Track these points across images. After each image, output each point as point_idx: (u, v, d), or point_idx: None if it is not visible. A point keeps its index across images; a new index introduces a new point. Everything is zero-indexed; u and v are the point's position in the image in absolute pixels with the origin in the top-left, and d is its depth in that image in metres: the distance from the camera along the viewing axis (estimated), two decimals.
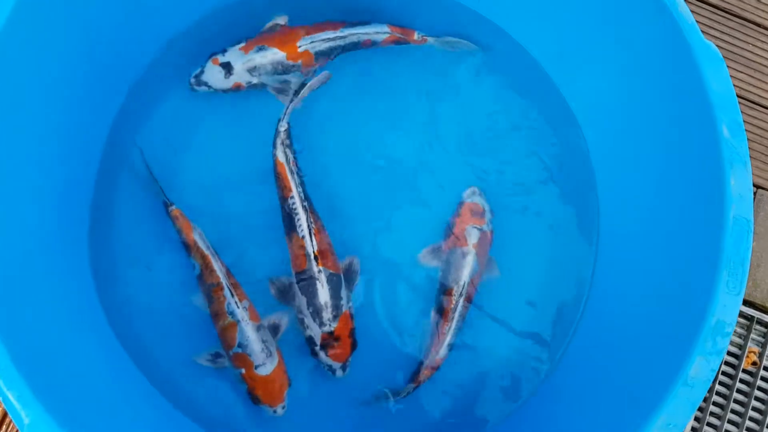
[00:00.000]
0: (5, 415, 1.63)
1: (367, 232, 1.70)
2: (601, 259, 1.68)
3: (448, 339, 1.59)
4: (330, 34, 1.69)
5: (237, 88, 1.67)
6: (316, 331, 1.52)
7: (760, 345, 1.88)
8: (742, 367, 1.85)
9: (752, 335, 1.88)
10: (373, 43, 1.73)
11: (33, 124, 1.40)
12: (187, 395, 1.55)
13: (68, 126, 1.52)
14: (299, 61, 1.68)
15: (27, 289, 1.30)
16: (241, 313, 1.51)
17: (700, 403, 1.22)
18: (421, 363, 1.59)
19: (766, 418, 1.80)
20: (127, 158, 1.65)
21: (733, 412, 1.82)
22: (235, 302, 1.52)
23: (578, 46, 1.67)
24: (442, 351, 1.58)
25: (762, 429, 1.79)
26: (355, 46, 1.72)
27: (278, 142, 1.62)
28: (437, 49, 1.78)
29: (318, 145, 1.72)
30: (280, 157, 1.61)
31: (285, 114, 1.63)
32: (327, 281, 1.53)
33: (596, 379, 1.48)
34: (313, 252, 1.54)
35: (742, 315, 1.89)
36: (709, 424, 1.80)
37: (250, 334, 1.49)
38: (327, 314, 1.52)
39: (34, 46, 1.36)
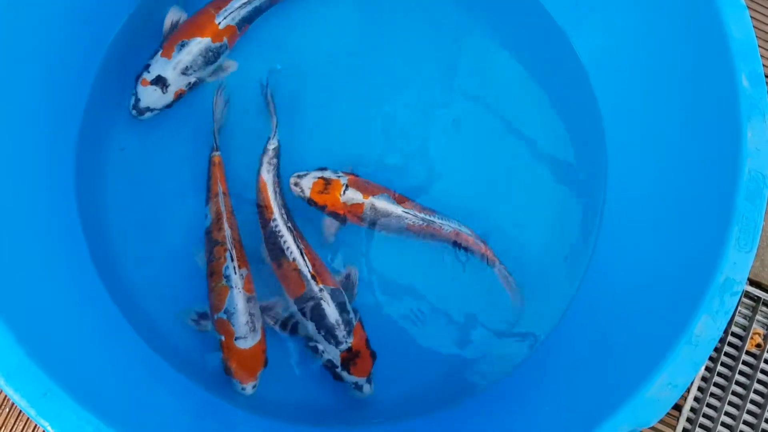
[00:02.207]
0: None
1: None
2: (608, 210, 1.63)
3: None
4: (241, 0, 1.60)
5: (179, 97, 1.57)
6: (333, 353, 1.44)
7: (766, 327, 1.82)
8: (745, 348, 1.80)
9: (758, 317, 1.82)
10: None
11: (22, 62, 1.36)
12: (170, 342, 1.51)
13: (61, 56, 1.48)
14: (224, 39, 1.59)
15: (9, 228, 1.26)
16: (236, 280, 1.45)
17: (703, 364, 1.18)
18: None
19: (767, 401, 1.74)
20: (119, 93, 1.60)
21: (734, 393, 1.76)
22: (234, 267, 1.46)
23: None
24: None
25: (763, 412, 1.73)
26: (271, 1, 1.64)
27: (265, 160, 1.54)
28: None
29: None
30: (265, 176, 1.52)
31: (274, 132, 1.56)
32: (332, 298, 1.45)
33: (599, 335, 1.44)
34: (310, 271, 1.45)
35: (747, 296, 1.83)
36: (709, 405, 1.75)
37: (239, 304, 1.43)
38: (341, 332, 1.43)
39: None
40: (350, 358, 1.44)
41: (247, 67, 1.67)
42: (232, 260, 1.46)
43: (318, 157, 1.63)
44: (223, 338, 1.43)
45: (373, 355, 1.48)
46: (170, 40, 1.56)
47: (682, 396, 1.70)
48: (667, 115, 1.48)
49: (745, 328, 1.82)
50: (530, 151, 1.71)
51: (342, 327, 1.44)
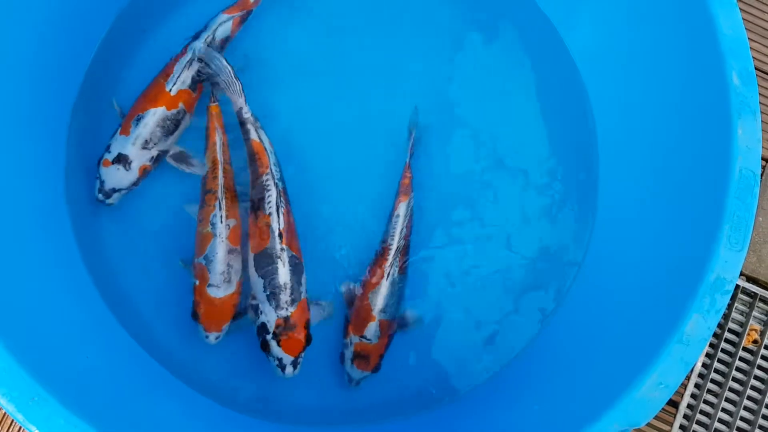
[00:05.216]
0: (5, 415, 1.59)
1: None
2: (600, 210, 1.62)
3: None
4: (185, 60, 1.57)
5: (145, 173, 1.52)
6: (270, 317, 1.41)
7: (763, 323, 1.81)
8: (742, 344, 1.79)
9: (755, 313, 1.81)
10: (226, 40, 1.63)
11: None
12: (163, 345, 1.51)
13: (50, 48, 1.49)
14: (180, 105, 1.55)
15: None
16: (221, 229, 1.47)
17: (695, 363, 1.18)
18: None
19: (764, 397, 1.74)
20: (109, 81, 1.62)
21: (731, 390, 1.76)
22: (221, 216, 1.48)
23: None
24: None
25: (760, 408, 1.73)
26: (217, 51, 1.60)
27: (250, 127, 1.55)
28: None
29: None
30: (255, 137, 1.54)
31: (243, 99, 1.55)
32: (289, 262, 1.44)
33: (588, 334, 1.43)
34: (279, 229, 1.45)
35: (744, 292, 1.82)
36: (706, 401, 1.74)
37: (219, 252, 1.45)
38: (285, 296, 1.42)
39: None
40: (284, 328, 1.41)
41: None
42: (220, 209, 1.48)
43: (311, 166, 1.65)
44: (197, 282, 1.45)
45: (308, 339, 1.44)
46: (127, 117, 1.54)
47: (679, 392, 1.70)
48: (658, 112, 1.47)
49: (741, 324, 1.81)
50: (522, 151, 1.71)
51: (287, 292, 1.42)
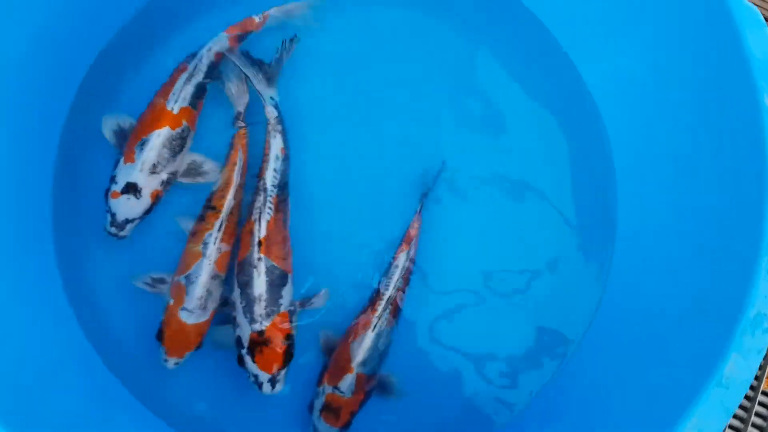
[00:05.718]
0: None
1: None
2: (620, 242, 1.57)
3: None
4: (184, 77, 1.54)
5: (157, 198, 1.48)
6: (245, 330, 1.35)
7: None
8: (761, 389, 1.72)
9: None
10: (222, 56, 1.59)
11: None
12: (151, 388, 1.46)
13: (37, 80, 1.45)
14: (183, 122, 1.51)
15: None
16: (212, 251, 1.42)
17: (735, 408, 1.11)
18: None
19: None
20: (95, 119, 1.54)
21: None
22: (216, 239, 1.43)
23: (593, 8, 1.57)
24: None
25: None
26: (212, 67, 1.57)
27: (269, 128, 1.53)
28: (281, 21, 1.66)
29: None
30: (267, 138, 1.52)
31: (264, 100, 1.53)
32: (266, 272, 1.38)
33: (618, 378, 1.36)
34: (259, 237, 1.40)
35: None
36: None
37: (202, 276, 1.39)
38: (259, 308, 1.35)
39: None
40: (259, 342, 1.34)
41: None
42: (218, 230, 1.43)
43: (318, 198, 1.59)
44: (171, 302, 1.39)
45: (287, 356, 1.36)
46: (129, 144, 1.49)
47: None
48: (685, 139, 1.43)
49: (761, 367, 1.74)
50: (538, 185, 1.66)
51: (262, 304, 1.35)
